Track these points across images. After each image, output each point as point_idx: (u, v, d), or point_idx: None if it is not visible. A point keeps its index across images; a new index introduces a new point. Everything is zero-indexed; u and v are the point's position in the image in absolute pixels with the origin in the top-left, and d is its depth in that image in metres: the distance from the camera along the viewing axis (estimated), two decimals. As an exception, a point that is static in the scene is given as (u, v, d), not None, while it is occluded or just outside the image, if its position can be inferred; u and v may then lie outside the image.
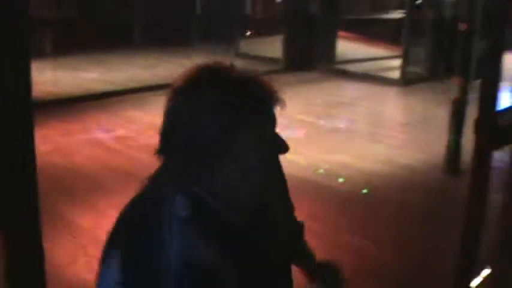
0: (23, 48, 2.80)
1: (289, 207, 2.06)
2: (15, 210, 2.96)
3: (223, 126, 1.51)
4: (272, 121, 1.62)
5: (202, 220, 1.58)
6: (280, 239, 1.82)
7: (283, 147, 1.63)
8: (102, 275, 1.64)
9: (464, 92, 6.57)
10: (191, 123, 1.53)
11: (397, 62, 12.67)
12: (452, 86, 6.90)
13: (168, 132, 1.63)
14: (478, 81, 8.97)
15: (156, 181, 1.72)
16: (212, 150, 1.54)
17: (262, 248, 1.73)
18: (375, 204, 5.85)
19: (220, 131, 1.51)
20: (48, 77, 9.40)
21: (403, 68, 12.21)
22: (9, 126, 2.79)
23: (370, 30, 18.62)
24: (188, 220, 1.55)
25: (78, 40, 14.72)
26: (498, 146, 2.76)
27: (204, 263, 1.55)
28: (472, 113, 6.48)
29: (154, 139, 5.64)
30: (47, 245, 3.00)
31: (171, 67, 12.78)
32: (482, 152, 2.62)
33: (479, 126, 2.54)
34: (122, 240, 1.64)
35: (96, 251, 4.62)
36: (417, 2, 13.35)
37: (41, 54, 11.73)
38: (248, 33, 16.20)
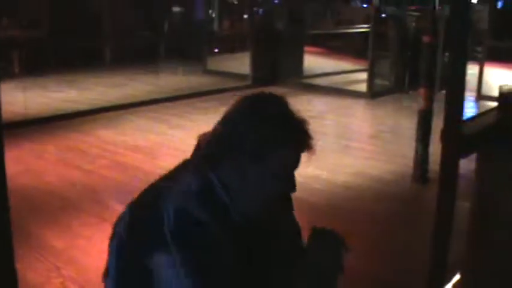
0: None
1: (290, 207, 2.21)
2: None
3: (261, 144, 1.75)
4: (297, 162, 1.91)
5: (208, 200, 1.75)
6: (281, 238, 1.94)
7: (292, 189, 1.94)
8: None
9: (429, 102, 6.69)
10: (244, 130, 1.75)
11: (363, 75, 12.83)
12: (418, 98, 7.02)
13: (224, 133, 1.80)
14: (443, 92, 9.14)
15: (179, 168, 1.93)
16: (242, 155, 1.75)
17: (260, 245, 1.86)
18: (348, 215, 5.92)
19: (259, 146, 1.74)
20: (18, 98, 9.35)
21: (370, 80, 12.37)
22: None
23: (336, 45, 18.84)
24: (192, 192, 1.74)
25: (47, 60, 14.66)
26: (465, 154, 2.84)
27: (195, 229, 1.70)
28: (437, 123, 6.62)
29: (125, 157, 5.76)
30: (19, 265, 3.00)
31: (140, 86, 12.81)
32: (449, 160, 2.70)
33: (446, 135, 2.61)
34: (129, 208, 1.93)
35: (69, 272, 4.63)
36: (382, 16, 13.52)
37: (9, 75, 11.68)
38: (216, 50, 16.28)
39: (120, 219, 1.95)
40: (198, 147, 1.90)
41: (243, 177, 1.78)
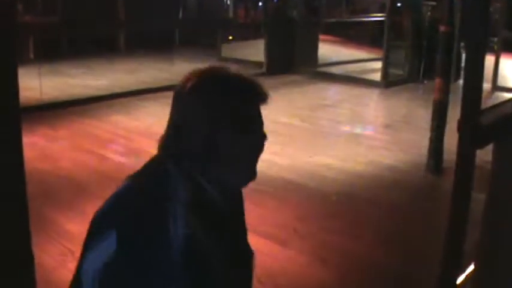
0: (9, 54, 2.83)
1: None
2: (4, 215, 2.99)
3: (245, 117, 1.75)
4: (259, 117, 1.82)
5: (201, 206, 1.69)
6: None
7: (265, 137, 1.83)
8: (89, 256, 1.73)
9: (445, 92, 6.66)
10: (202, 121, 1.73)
11: (378, 64, 12.79)
12: (433, 87, 6.99)
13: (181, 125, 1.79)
14: (458, 82, 9.09)
15: (159, 164, 1.83)
16: (212, 145, 1.71)
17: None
18: (361, 204, 5.92)
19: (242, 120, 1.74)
20: (33, 84, 9.38)
21: (384, 70, 12.32)
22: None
23: (351, 33, 18.77)
24: (189, 205, 1.65)
25: (61, 46, 14.72)
26: (481, 145, 2.82)
27: (201, 248, 1.61)
28: (452, 113, 6.59)
29: (138, 143, 5.78)
30: (34, 249, 3.03)
31: (154, 72, 12.83)
32: (466, 150, 2.68)
33: (463, 126, 2.60)
34: (118, 219, 1.72)
35: (85, 256, 4.64)
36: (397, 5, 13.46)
37: (25, 61, 11.71)
38: (230, 37, 16.26)
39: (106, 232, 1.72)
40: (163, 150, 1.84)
41: (235, 154, 1.76)
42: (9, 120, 2.79)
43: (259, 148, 1.82)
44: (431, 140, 6.80)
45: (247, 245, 1.95)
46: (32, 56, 13.06)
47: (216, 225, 1.72)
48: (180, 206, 1.64)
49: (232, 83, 1.77)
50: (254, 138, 1.79)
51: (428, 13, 13.14)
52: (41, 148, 7.36)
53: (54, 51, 14.24)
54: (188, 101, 1.79)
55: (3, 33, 2.73)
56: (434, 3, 13.21)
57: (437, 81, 6.72)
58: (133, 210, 1.73)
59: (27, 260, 3.07)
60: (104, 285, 1.65)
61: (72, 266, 4.52)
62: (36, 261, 3.06)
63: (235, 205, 1.94)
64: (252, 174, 1.82)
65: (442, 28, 6.81)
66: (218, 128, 1.70)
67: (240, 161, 1.78)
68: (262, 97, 1.79)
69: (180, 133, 1.77)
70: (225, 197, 1.79)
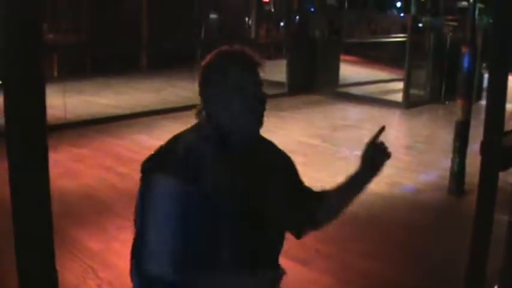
0: (37, 73, 2.87)
1: None
2: (29, 232, 3.02)
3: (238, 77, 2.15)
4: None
5: (220, 140, 2.12)
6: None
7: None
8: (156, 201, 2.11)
9: (467, 113, 6.64)
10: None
11: (399, 85, 12.77)
12: (455, 108, 6.97)
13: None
14: (480, 103, 9.05)
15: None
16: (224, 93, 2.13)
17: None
18: (383, 225, 5.90)
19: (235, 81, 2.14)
20: (57, 102, 9.47)
21: (406, 90, 12.30)
22: (23, 150, 2.86)
23: (372, 54, 18.78)
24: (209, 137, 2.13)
25: (85, 65, 14.88)
26: (504, 167, 2.82)
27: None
28: (474, 134, 6.56)
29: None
30: (57, 267, 3.06)
31: (176, 91, 12.90)
32: (489, 172, 2.68)
33: (486, 148, 2.60)
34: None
35: (105, 274, 4.68)
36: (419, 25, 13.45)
37: (49, 79, 11.84)
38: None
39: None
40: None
41: (229, 108, 2.11)
42: (36, 138, 2.83)
43: (248, 103, 2.13)
44: (453, 162, 6.77)
45: (264, 205, 2.17)
46: (56, 74, 13.21)
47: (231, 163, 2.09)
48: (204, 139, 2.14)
49: (225, 53, 2.17)
50: (243, 93, 2.12)
51: (450, 33, 13.12)
52: (64, 166, 7.42)
53: (78, 69, 14.41)
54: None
55: (31, 52, 2.78)
56: (455, 23, 13.20)
57: (459, 102, 6.70)
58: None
59: (52, 277, 3.09)
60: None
61: (93, 283, 4.57)
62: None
63: (263, 160, 2.23)
64: (249, 125, 2.15)
65: (464, 48, 6.80)
66: (210, 85, 2.14)
67: (233, 113, 2.11)
68: (247, 61, 2.18)
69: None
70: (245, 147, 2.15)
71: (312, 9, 15.05)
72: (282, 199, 2.26)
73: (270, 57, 16.60)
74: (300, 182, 2.48)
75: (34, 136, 2.85)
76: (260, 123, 2.16)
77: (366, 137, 8.36)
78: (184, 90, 13.13)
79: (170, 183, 2.05)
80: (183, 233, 1.98)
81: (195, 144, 2.12)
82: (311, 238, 5.33)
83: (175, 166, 2.07)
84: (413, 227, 5.89)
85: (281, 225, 2.28)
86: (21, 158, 2.85)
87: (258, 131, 2.18)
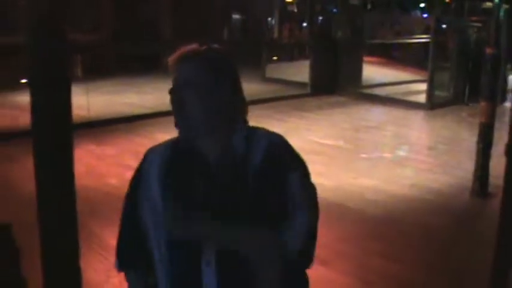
0: (63, 73, 2.91)
1: None
2: (54, 229, 3.05)
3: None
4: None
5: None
6: None
7: None
8: None
9: (491, 115, 6.59)
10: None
11: (422, 86, 12.71)
12: (478, 110, 6.92)
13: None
14: (505, 105, 8.98)
15: None
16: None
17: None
18: (404, 227, 5.87)
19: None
20: (80, 101, 9.54)
21: (429, 92, 12.24)
22: (49, 148, 2.90)
23: (395, 55, 18.68)
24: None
25: (108, 64, 14.97)
26: (529, 169, 2.80)
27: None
28: (498, 136, 6.51)
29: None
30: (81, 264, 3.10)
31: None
32: (513, 174, 2.67)
33: (510, 149, 2.59)
34: None
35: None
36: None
37: (72, 78, 11.93)
38: (274, 57, 16.33)
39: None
40: None
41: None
42: (62, 136, 2.87)
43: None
44: (477, 163, 6.72)
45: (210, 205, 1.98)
46: (79, 73, 13.29)
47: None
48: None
49: None
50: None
51: (474, 34, 13.03)
52: (87, 164, 7.48)
53: (101, 69, 14.51)
54: None
55: (56, 51, 2.81)
56: (480, 24, 13.11)
57: (484, 103, 6.65)
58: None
59: (76, 274, 3.13)
60: None
61: (116, 281, 4.60)
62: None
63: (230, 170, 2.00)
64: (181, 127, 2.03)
65: (488, 50, 6.75)
66: None
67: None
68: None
69: None
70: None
71: (335, 10, 15.02)
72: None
73: (292, 58, 16.62)
74: None
75: (60, 134, 2.88)
76: None
77: (389, 138, 8.37)
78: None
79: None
80: (130, 231, 2.08)
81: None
82: (331, 238, 5.36)
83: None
84: (435, 229, 5.86)
85: None
86: (47, 155, 2.88)
87: None
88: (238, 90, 2.01)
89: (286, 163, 1.99)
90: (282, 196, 1.94)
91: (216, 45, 2.06)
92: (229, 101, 1.97)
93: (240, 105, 2.01)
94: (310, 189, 2.03)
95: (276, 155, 1.98)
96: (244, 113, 2.04)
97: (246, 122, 2.03)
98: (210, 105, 1.95)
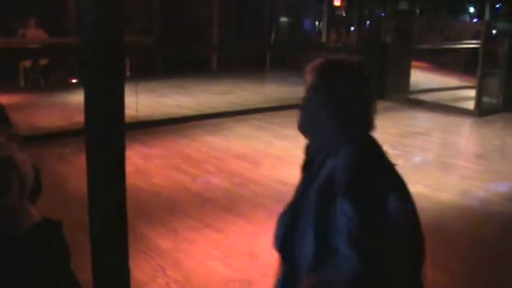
0: (118, 72, 2.96)
1: None
2: (104, 228, 3.10)
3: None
4: None
5: None
6: None
7: None
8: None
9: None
10: None
11: (471, 93, 12.55)
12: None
13: None
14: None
15: None
16: None
17: None
18: (449, 235, 5.80)
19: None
20: (129, 101, 9.65)
21: (478, 98, 12.07)
22: (102, 148, 2.94)
23: (443, 60, 18.50)
24: None
25: (156, 66, 15.14)
26: None
27: None
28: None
29: (229, 164, 5.91)
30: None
31: (246, 94, 13.00)
32: None
33: None
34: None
35: (174, 273, 4.76)
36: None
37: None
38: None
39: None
40: None
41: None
42: (115, 137, 2.91)
43: None
44: (526, 172, 6.63)
45: None
46: (128, 74, 13.48)
47: None
48: None
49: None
50: None
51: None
52: (135, 164, 7.57)
53: (149, 70, 14.67)
54: None
55: (112, 52, 2.86)
56: (531, 30, 12.90)
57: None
58: None
59: (124, 274, 3.17)
60: None
61: (162, 281, 4.65)
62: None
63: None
64: None
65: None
66: None
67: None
68: None
69: None
70: None
71: (383, 14, 14.93)
72: None
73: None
74: None
75: (112, 134, 2.93)
76: None
77: (436, 145, 8.32)
78: (253, 93, 13.25)
79: None
80: None
81: None
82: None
83: None
84: (482, 239, 5.78)
85: None
86: (99, 155, 2.93)
87: None
88: None
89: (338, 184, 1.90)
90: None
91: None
92: None
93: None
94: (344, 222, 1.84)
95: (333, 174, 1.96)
96: None
97: None
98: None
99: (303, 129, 2.11)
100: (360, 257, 1.80)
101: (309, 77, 2.09)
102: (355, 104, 2.04)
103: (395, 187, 1.87)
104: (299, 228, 2.01)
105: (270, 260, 5.02)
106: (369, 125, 2.10)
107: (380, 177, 1.93)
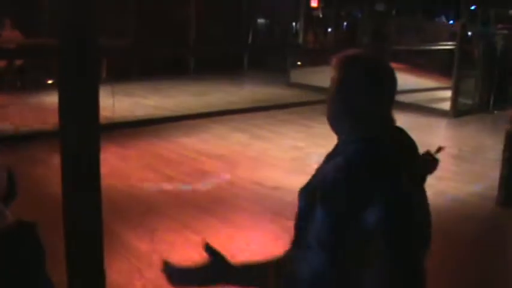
0: (93, 73, 2.93)
1: None
2: (80, 230, 3.08)
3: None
4: None
5: None
6: None
7: None
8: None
9: (517, 123, 6.54)
10: None
11: (447, 93, 12.64)
12: (503, 118, 6.87)
13: None
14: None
15: None
16: None
17: None
18: (427, 235, 5.82)
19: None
20: (105, 103, 9.60)
21: (454, 99, 12.16)
22: (77, 149, 2.92)
23: (419, 61, 18.61)
24: None
25: (132, 67, 15.06)
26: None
27: None
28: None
29: (206, 165, 5.89)
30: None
31: (223, 96, 12.99)
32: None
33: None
34: None
35: (151, 275, 4.73)
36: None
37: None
38: (298, 63, 16.33)
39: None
40: None
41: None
42: (90, 138, 2.89)
43: None
44: (502, 172, 6.67)
45: None
46: (104, 75, 13.41)
47: None
48: None
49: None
50: None
51: (500, 42, 12.94)
52: (112, 166, 7.52)
53: (125, 72, 14.60)
54: None
55: (86, 53, 2.83)
56: (506, 31, 13.02)
57: (511, 111, 6.60)
58: None
59: (99, 276, 3.15)
60: None
61: (139, 283, 4.62)
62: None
63: None
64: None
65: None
66: None
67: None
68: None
69: None
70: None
71: (360, 16, 15.02)
72: None
73: (316, 63, 16.59)
74: None
75: (87, 136, 2.91)
76: None
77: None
78: (230, 94, 13.23)
79: None
80: None
81: None
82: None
83: None
84: (459, 238, 5.81)
85: None
86: (74, 156, 2.91)
87: None
88: None
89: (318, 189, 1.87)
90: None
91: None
92: None
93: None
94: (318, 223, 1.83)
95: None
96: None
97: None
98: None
99: (328, 122, 2.08)
100: (326, 257, 1.83)
101: (332, 69, 2.06)
102: (363, 103, 1.97)
103: (380, 197, 1.80)
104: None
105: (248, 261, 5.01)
106: (383, 127, 2.04)
107: (366, 186, 1.83)
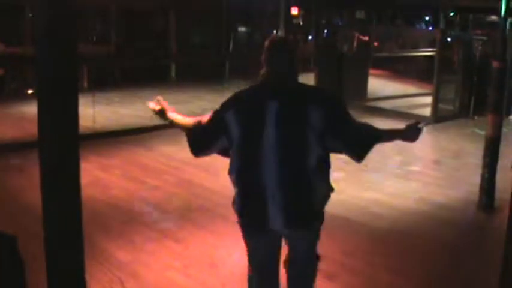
0: (71, 84, 2.91)
1: None
2: (59, 240, 3.05)
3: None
4: None
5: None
6: None
7: None
8: None
9: (497, 128, 6.57)
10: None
11: (427, 99, 12.70)
12: (483, 123, 6.90)
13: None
14: (510, 118, 8.95)
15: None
16: None
17: None
18: (410, 241, 5.85)
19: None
20: (86, 112, 9.56)
21: (434, 105, 12.23)
22: (56, 159, 2.89)
23: (400, 68, 18.72)
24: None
25: (114, 76, 15.01)
26: (536, 183, 2.79)
27: None
28: (504, 149, 6.48)
29: (189, 174, 5.94)
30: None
31: (204, 104, 12.94)
32: (520, 188, 2.66)
33: (518, 163, 2.58)
34: None
35: (133, 285, 4.69)
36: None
37: (79, 90, 11.96)
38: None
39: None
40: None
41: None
42: (69, 148, 2.86)
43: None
44: (483, 177, 6.70)
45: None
46: (85, 84, 13.35)
47: None
48: None
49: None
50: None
51: (479, 48, 13.04)
52: (93, 176, 7.49)
53: (107, 80, 14.55)
54: None
55: (65, 62, 2.82)
56: (485, 38, 13.12)
57: (490, 117, 6.64)
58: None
59: (80, 286, 3.12)
60: None
61: (121, 294, 4.56)
62: (86, 288, 3.11)
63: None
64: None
65: (494, 63, 6.74)
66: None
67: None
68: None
69: None
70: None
71: (340, 23, 15.07)
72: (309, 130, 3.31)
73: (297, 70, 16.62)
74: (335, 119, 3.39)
75: (66, 146, 2.88)
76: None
77: (394, 151, 8.32)
78: (211, 102, 13.16)
79: None
80: None
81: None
82: (337, 252, 5.34)
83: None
84: (441, 243, 5.83)
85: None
86: (53, 166, 2.88)
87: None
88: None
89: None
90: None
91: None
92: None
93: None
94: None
95: None
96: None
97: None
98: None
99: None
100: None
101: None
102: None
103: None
104: None
105: (230, 270, 5.00)
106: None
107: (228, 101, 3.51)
